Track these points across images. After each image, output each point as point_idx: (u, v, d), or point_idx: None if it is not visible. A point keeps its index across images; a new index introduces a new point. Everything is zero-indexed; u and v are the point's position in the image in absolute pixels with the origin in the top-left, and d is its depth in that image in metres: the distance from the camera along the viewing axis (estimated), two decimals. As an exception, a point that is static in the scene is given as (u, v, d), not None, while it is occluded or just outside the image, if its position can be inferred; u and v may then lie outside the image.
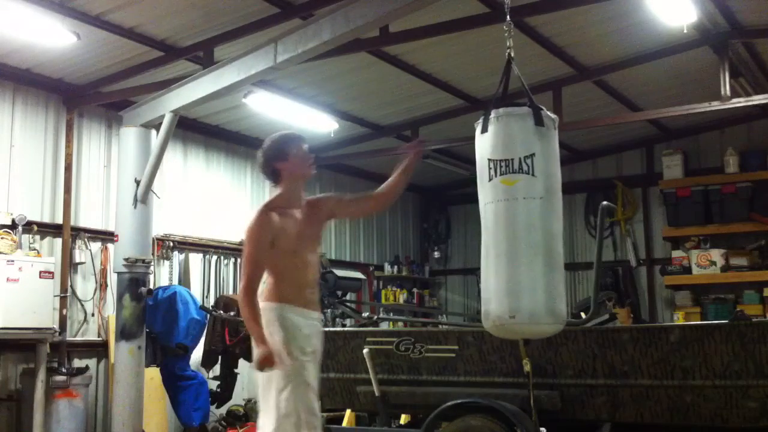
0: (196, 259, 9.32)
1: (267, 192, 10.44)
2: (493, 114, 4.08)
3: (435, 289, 13.37)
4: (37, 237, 7.56)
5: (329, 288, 7.40)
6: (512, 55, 4.22)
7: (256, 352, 3.90)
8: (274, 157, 4.15)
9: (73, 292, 7.93)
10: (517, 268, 3.88)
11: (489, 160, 4.03)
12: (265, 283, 4.20)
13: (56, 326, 7.46)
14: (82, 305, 8.00)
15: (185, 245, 9.13)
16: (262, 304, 4.08)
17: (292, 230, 4.07)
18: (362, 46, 7.20)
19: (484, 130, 4.10)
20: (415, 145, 4.54)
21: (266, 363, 3.89)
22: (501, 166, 3.95)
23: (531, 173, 3.90)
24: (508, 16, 4.33)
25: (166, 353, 8.03)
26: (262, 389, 4.10)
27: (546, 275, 3.87)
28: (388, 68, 8.25)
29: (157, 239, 8.55)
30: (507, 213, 3.94)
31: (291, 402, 3.97)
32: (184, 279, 9.04)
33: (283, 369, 3.96)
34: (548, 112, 4.11)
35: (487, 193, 4.04)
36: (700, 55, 8.50)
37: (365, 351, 5.83)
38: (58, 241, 7.81)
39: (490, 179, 4.01)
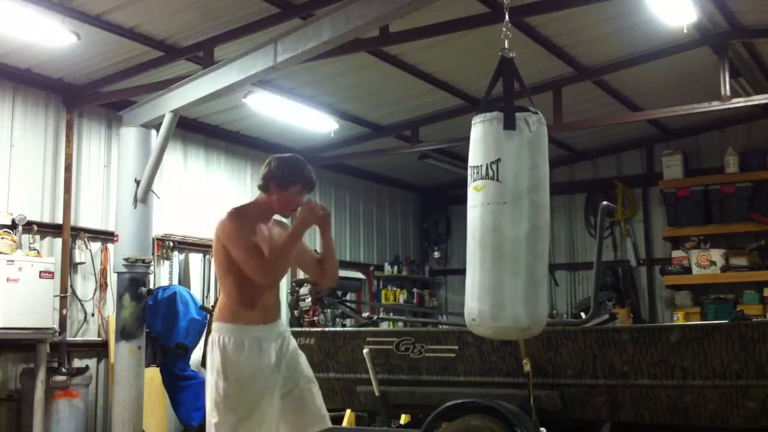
0: (196, 259, 9.32)
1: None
2: (473, 120, 4.10)
3: (435, 289, 13.37)
4: (37, 237, 7.56)
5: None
6: (506, 57, 4.17)
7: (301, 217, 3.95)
8: (276, 177, 4.06)
9: (73, 292, 7.93)
10: (482, 273, 3.92)
11: (469, 167, 4.09)
12: (218, 301, 4.10)
13: (56, 326, 7.46)
14: (82, 305, 8.00)
15: (185, 245, 9.13)
16: (215, 324, 3.96)
17: (261, 242, 3.95)
18: (362, 46, 7.20)
19: (471, 136, 4.15)
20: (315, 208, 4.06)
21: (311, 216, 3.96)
22: (474, 173, 3.99)
23: (496, 178, 3.90)
24: (507, 17, 4.30)
25: (166, 353, 8.03)
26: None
27: (506, 280, 3.87)
28: (388, 68, 8.24)
29: (157, 239, 8.54)
30: (477, 219, 3.97)
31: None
32: (184, 279, 9.04)
33: (215, 395, 3.86)
34: (527, 113, 4.01)
35: (468, 199, 4.09)
36: (700, 55, 8.49)
37: (365, 351, 5.83)
38: (58, 241, 7.81)
39: (467, 185, 4.07)
